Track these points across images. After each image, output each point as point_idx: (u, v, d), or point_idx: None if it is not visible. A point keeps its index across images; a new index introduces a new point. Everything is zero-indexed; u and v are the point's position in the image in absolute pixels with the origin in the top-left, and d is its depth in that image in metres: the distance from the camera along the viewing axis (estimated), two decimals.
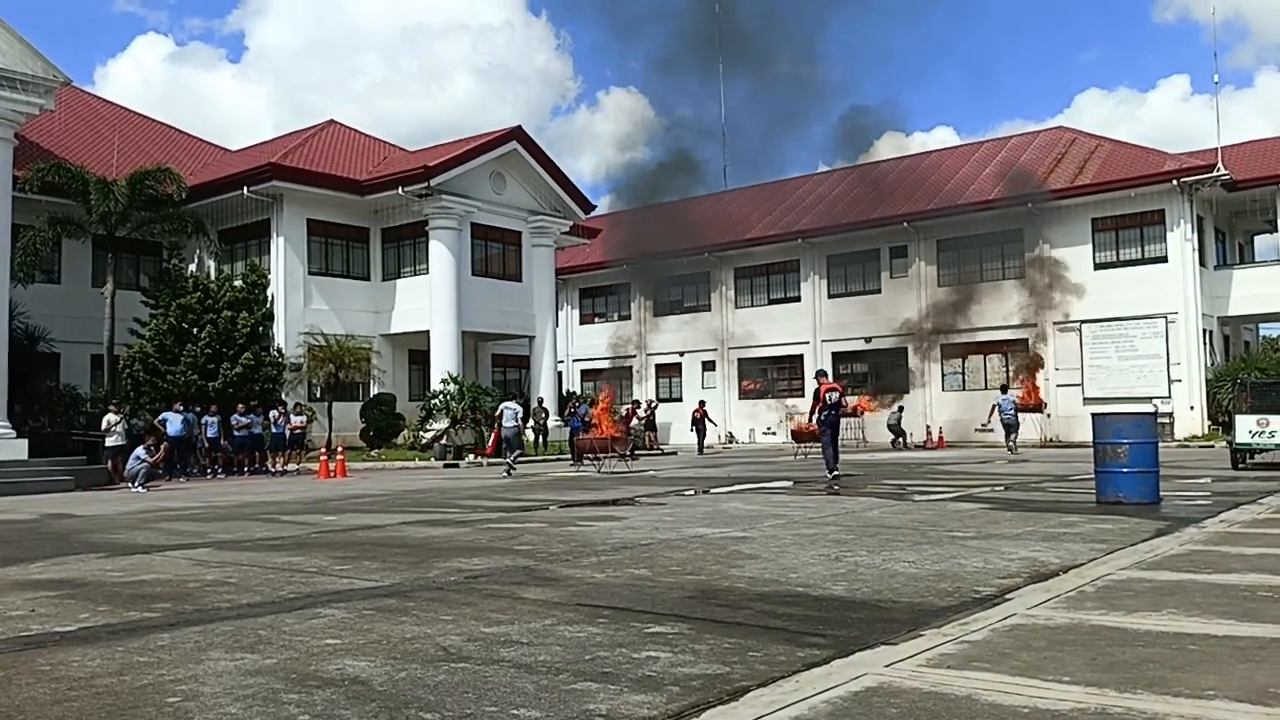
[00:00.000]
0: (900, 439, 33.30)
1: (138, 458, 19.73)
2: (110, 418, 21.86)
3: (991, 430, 29.15)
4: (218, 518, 12.11)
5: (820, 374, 18.59)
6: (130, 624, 5.34)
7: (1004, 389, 28.89)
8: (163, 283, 27.43)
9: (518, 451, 21.89)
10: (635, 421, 32.95)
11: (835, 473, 16.88)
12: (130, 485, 19.42)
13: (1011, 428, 27.04)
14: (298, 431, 25.29)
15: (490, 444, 22.43)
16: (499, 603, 5.72)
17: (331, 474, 21.54)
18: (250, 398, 25.11)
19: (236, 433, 24.04)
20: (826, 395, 17.06)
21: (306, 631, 4.99)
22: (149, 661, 4.42)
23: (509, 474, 20.42)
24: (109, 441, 21.65)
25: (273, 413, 24.89)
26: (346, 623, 5.21)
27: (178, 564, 7.79)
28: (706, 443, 34.47)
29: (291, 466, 24.66)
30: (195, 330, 25.76)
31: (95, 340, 27.25)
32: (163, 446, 20.92)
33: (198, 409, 24.06)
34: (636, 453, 25.44)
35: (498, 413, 22.54)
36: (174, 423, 22.74)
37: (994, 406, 27.63)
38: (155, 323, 26.06)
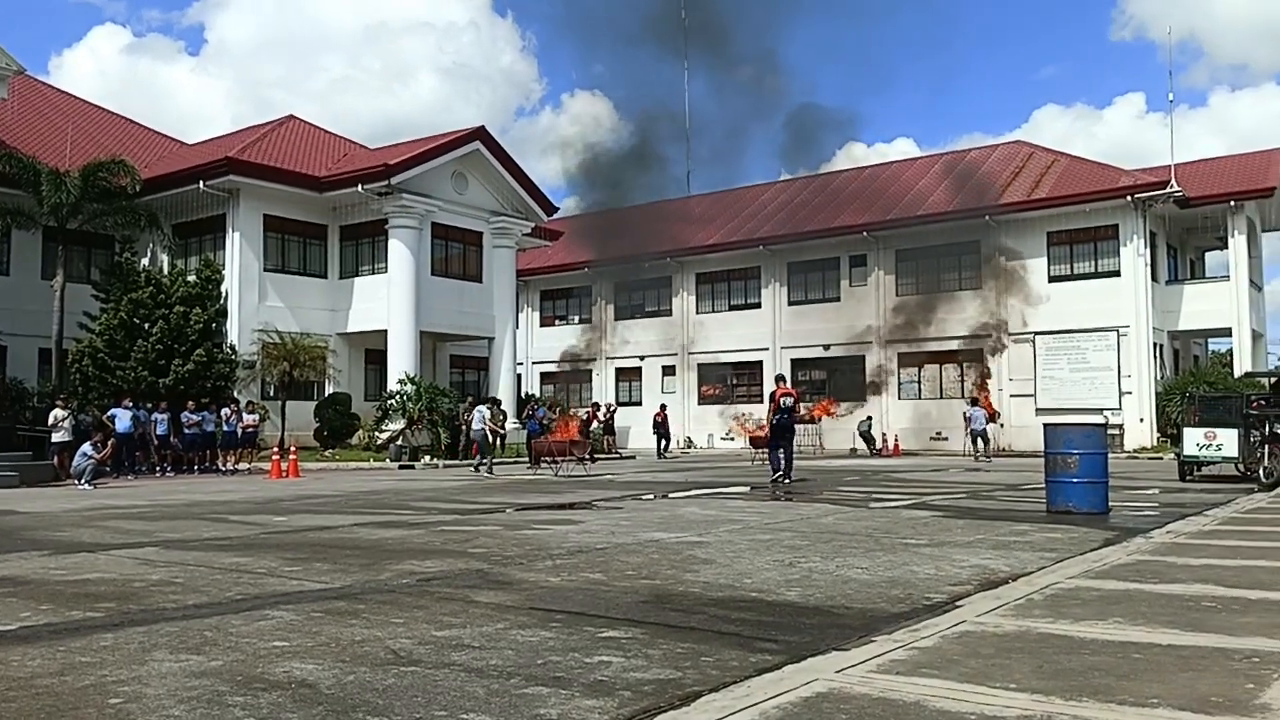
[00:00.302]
0: (871, 445, 33.57)
1: (85, 454, 19.37)
2: (57, 413, 21.42)
3: (947, 440, 29.55)
4: (165, 516, 11.91)
5: (779, 379, 19.18)
6: (73, 623, 5.22)
7: (974, 401, 29.47)
8: (114, 276, 26.95)
9: (489, 456, 22.28)
10: (595, 425, 32.90)
11: (780, 476, 17.08)
12: (77, 482, 19.05)
13: (981, 437, 27.70)
14: (250, 430, 24.94)
15: (475, 448, 22.66)
16: (451, 606, 5.67)
17: (284, 474, 21.26)
18: (202, 395, 24.74)
19: (187, 430, 23.65)
20: (782, 400, 17.25)
21: (254, 633, 4.92)
22: (91, 662, 4.33)
23: (487, 474, 20.99)
24: (55, 437, 21.19)
25: (225, 410, 24.52)
26: (295, 625, 5.13)
27: (123, 563, 7.64)
28: (667, 447, 34.53)
29: (243, 466, 24.32)
30: (146, 325, 25.33)
31: (44, 334, 26.71)
32: (110, 443, 20.55)
33: (148, 405, 23.65)
34: (595, 456, 25.37)
35: (468, 416, 22.77)
36: (123, 419, 22.34)
37: (966, 418, 28.31)
38: (106, 317, 25.60)
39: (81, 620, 5.31)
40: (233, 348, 27.64)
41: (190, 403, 23.87)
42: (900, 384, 36.68)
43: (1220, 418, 17.73)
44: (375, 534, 9.70)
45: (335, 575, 6.91)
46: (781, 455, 17.42)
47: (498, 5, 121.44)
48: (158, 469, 23.52)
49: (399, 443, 27.24)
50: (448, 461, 26.85)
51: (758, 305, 39.96)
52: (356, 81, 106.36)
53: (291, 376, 27.89)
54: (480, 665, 4.23)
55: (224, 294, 28.02)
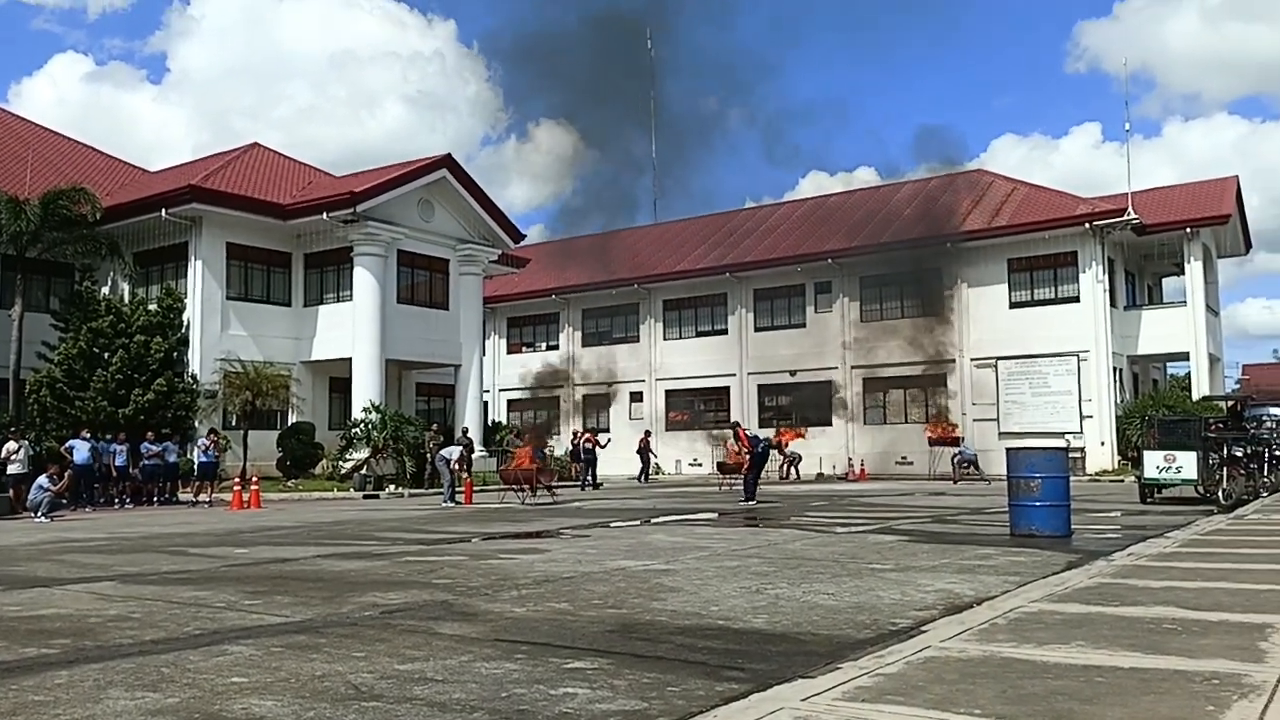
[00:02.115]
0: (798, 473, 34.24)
1: (40, 487, 19.00)
2: (10, 445, 21.01)
3: (911, 464, 29.92)
4: (123, 550, 11.69)
5: (735, 424, 22.37)
6: (27, 661, 5.10)
7: (958, 441, 32.12)
8: (74, 305, 26.56)
9: (451, 487, 22.18)
10: (565, 450, 32.73)
11: (753, 501, 19.27)
12: (33, 515, 18.67)
13: (973, 464, 29.80)
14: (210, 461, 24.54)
15: (467, 485, 22.66)
16: (414, 638, 5.60)
17: (245, 505, 20.95)
18: (162, 425, 24.38)
19: (146, 461, 23.25)
20: (764, 443, 20.60)
21: (212, 669, 4.82)
22: (45, 700, 4.22)
23: (450, 504, 21.20)
24: (10, 470, 20.76)
25: (202, 441, 24.16)
26: (254, 660, 5.04)
27: (79, 598, 7.49)
28: (645, 473, 34.54)
29: (204, 497, 23.95)
30: (106, 355, 24.96)
31: (1, 364, 26.22)
32: (67, 475, 20.16)
33: (107, 436, 23.25)
34: (553, 488, 25.15)
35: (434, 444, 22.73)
36: (81, 451, 21.92)
37: (954, 458, 29.48)
38: (65, 347, 25.20)
39: (36, 658, 5.19)
40: (194, 377, 27.29)
41: (150, 433, 23.49)
42: (866, 408, 36.90)
43: (1179, 441, 17.98)
44: (338, 566, 9.58)
45: (296, 608, 6.81)
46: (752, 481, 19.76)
47: (463, 35, 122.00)
48: (116, 501, 23.10)
49: (363, 472, 26.95)
50: (413, 491, 26.60)
51: (724, 331, 40.10)
52: (321, 110, 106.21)
53: (254, 406, 27.55)
54: (443, 699, 4.17)
55: (186, 323, 27.67)
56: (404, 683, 4.48)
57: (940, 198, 38.14)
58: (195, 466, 24.03)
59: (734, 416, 38.75)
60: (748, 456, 20.49)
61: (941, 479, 30.60)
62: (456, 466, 22.37)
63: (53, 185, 27.44)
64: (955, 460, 30.44)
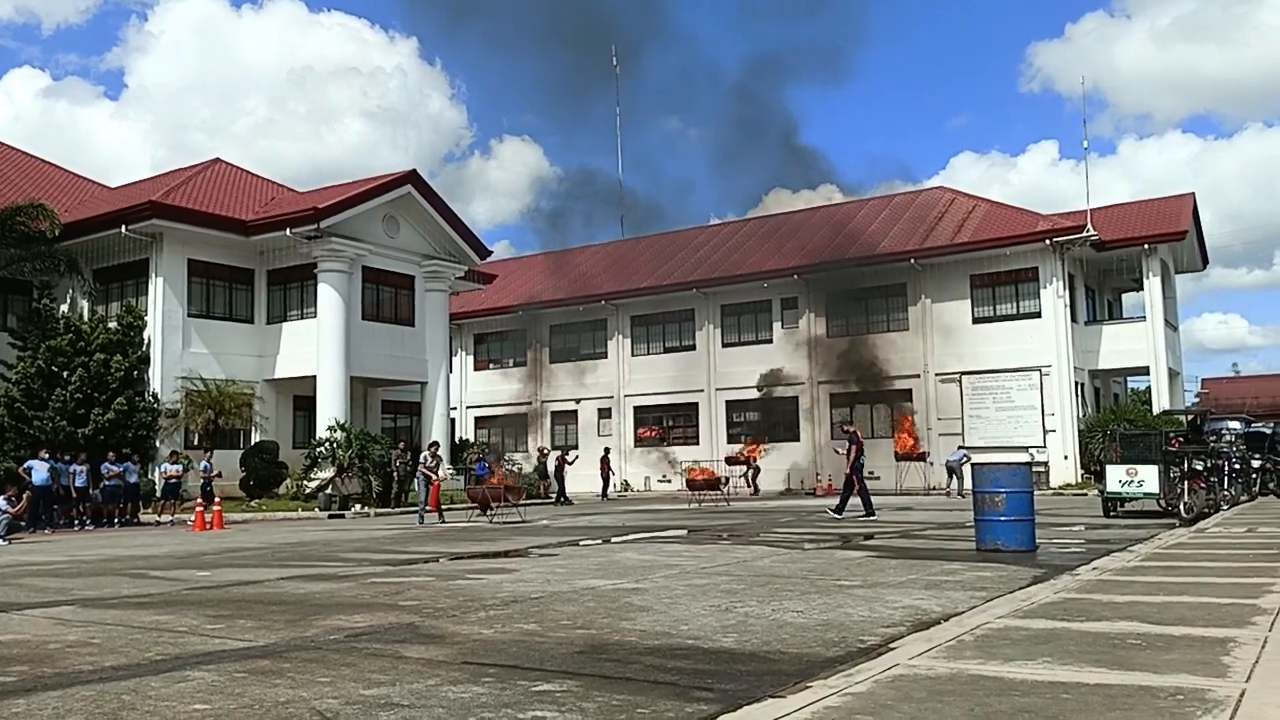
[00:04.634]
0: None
1: None
2: None
3: (879, 479, 30.08)
4: (83, 573, 11.47)
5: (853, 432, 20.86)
6: None
7: (924, 456, 32.71)
8: (32, 324, 26.15)
9: (423, 505, 21.96)
10: (553, 466, 32.69)
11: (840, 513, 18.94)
12: None
13: (955, 473, 30.03)
14: (173, 481, 24.23)
15: (433, 497, 22.28)
16: (380, 662, 5.53)
17: (208, 526, 20.65)
18: (123, 445, 24.02)
19: (107, 482, 22.88)
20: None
21: (173, 695, 4.74)
22: None
23: (419, 523, 20.81)
24: None
25: (205, 464, 24.11)
26: (217, 686, 4.96)
27: (38, 623, 7.33)
28: (606, 490, 34.80)
29: (166, 518, 23.59)
30: (65, 374, 24.58)
31: None
32: (25, 496, 19.78)
33: (66, 457, 22.85)
34: (526, 502, 25.07)
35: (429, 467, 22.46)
36: (39, 471, 21.54)
37: (952, 464, 30.04)
38: (22, 365, 24.79)
39: None
40: (155, 396, 26.93)
41: (111, 453, 23.13)
42: (834, 423, 37.06)
43: (1141, 454, 18.21)
44: (302, 588, 9.45)
45: (260, 632, 6.70)
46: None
47: (425, 52, 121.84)
48: (76, 523, 22.69)
49: (328, 491, 26.65)
50: (379, 510, 26.36)
51: (692, 347, 40.18)
52: (280, 125, 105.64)
53: (216, 425, 27.22)
54: None
55: (146, 341, 27.32)
56: (370, 708, 4.42)
57: (905, 214, 38.51)
58: (199, 488, 23.83)
59: (702, 433, 39.04)
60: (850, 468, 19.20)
61: (908, 494, 30.80)
62: (425, 470, 22.16)
63: (10, 201, 27.05)
64: (954, 465, 30.40)
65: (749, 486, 34.21)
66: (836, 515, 18.65)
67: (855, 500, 18.94)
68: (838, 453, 21.06)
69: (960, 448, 31.64)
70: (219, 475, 25.00)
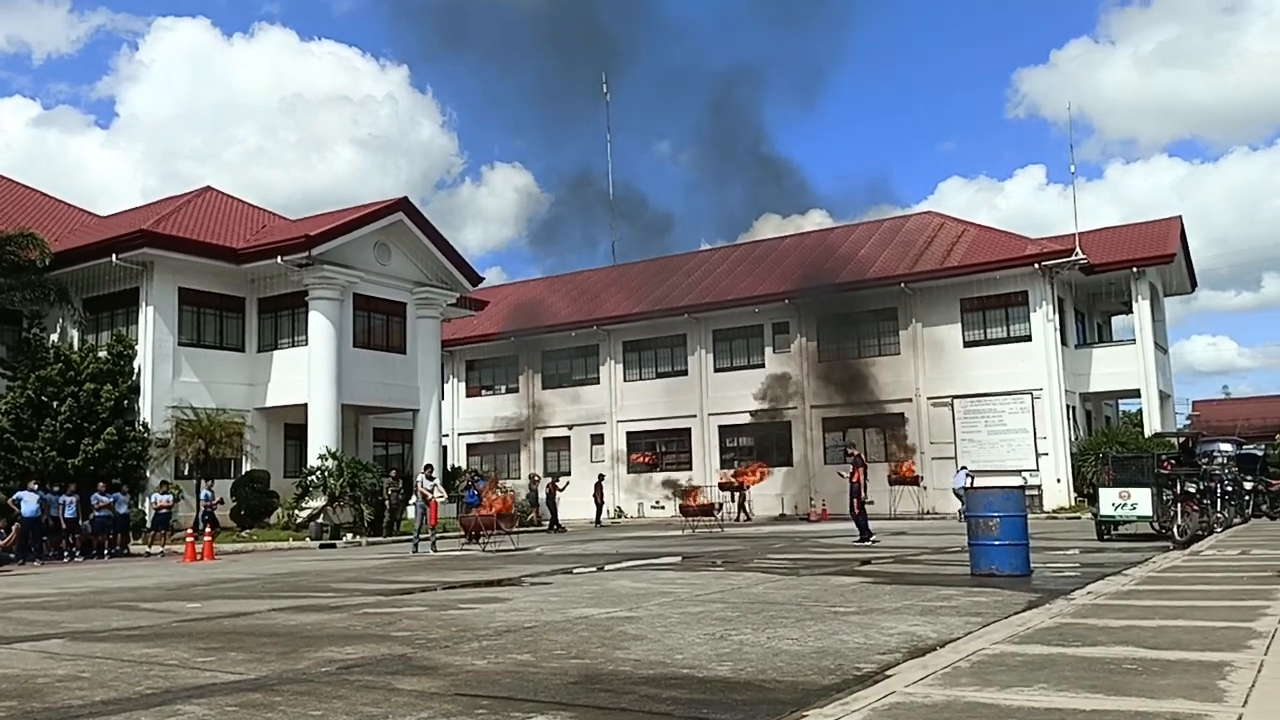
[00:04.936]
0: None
1: None
2: None
3: (873, 503, 29.95)
4: (72, 605, 11.37)
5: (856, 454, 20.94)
6: None
7: (918, 480, 32.70)
8: (21, 353, 26.05)
9: (422, 533, 21.82)
10: (544, 493, 32.60)
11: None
12: None
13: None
14: (163, 511, 24.07)
15: (432, 516, 22.03)
16: (372, 695, 5.49)
17: (198, 556, 20.51)
18: (113, 475, 23.88)
19: (97, 512, 22.72)
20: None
21: None
22: None
23: (415, 552, 20.72)
24: None
25: (207, 494, 24.22)
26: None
27: (26, 657, 7.26)
28: (599, 516, 34.86)
29: (156, 548, 23.42)
30: (55, 404, 24.48)
31: None
32: (14, 528, 19.63)
33: (56, 487, 22.70)
34: (518, 530, 24.96)
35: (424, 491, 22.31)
36: (29, 502, 21.37)
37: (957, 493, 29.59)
38: (12, 395, 24.68)
39: None
40: (145, 425, 26.80)
41: (101, 484, 22.99)
42: (826, 448, 37.06)
43: (1133, 478, 18.25)
44: (293, 619, 9.38)
45: (251, 665, 6.65)
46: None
47: (416, 80, 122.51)
48: (66, 554, 22.50)
49: (320, 521, 26.49)
50: (371, 539, 26.21)
51: (684, 372, 40.19)
52: (271, 153, 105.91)
53: (207, 454, 27.07)
54: None
55: (136, 370, 27.23)
56: None
57: (894, 238, 38.69)
58: (200, 517, 23.78)
59: (695, 458, 38.97)
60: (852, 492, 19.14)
61: (901, 518, 30.74)
62: (423, 491, 22.05)
63: None
64: (960, 489, 29.82)
65: (740, 513, 34.05)
66: (865, 544, 18.27)
67: (851, 524, 18.89)
68: (841, 475, 20.84)
69: (961, 468, 31.35)
70: (220, 503, 24.89)
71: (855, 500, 18.92)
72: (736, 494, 34.48)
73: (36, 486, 22.03)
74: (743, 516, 34.02)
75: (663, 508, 37.74)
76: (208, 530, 21.73)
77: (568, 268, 47.56)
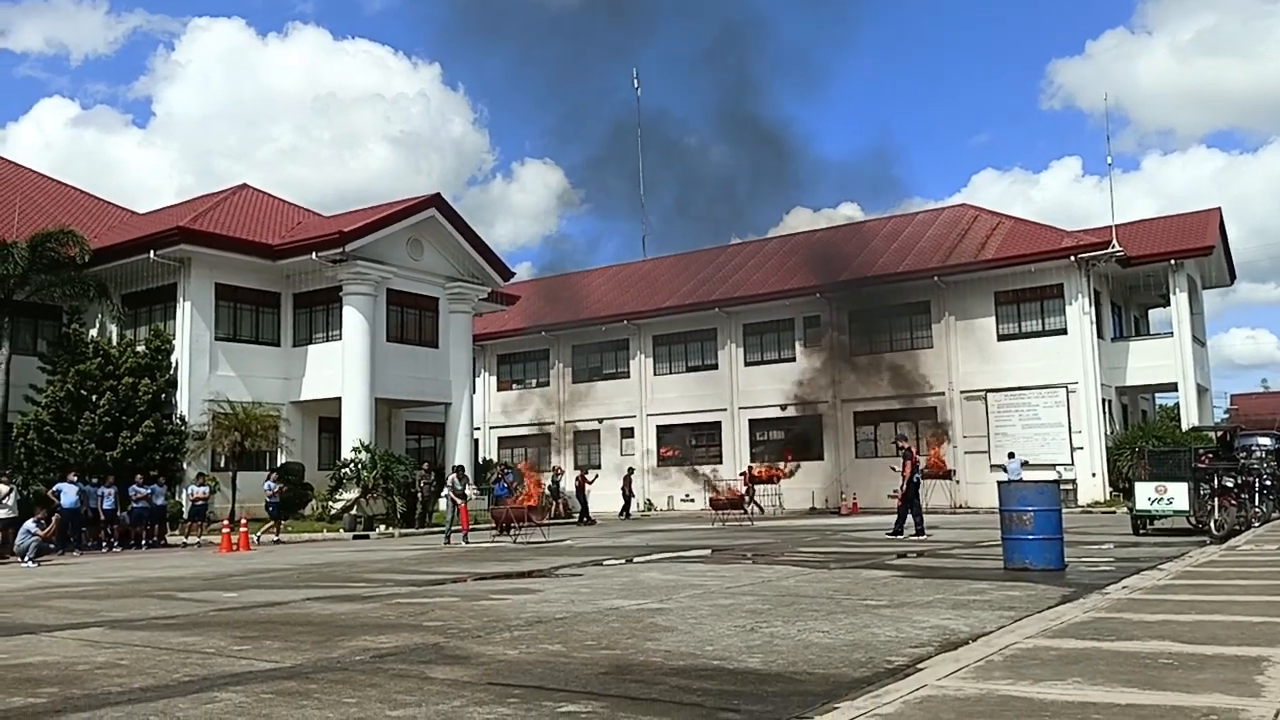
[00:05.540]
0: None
1: (28, 531, 18.81)
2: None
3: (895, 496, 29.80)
4: (111, 595, 11.56)
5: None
6: (13, 711, 5.02)
7: (951, 474, 30.96)
8: (61, 348, 26.45)
9: (452, 526, 21.96)
10: (573, 486, 32.68)
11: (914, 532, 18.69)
12: (20, 560, 18.47)
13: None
14: (199, 503, 24.41)
15: (463, 520, 22.20)
16: (406, 683, 5.54)
17: (234, 547, 20.78)
18: (150, 467, 24.21)
19: (135, 504, 23.06)
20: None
21: (201, 717, 4.77)
22: None
23: (447, 544, 20.88)
24: None
25: (269, 485, 24.51)
26: (244, 707, 4.98)
27: (66, 645, 7.40)
28: (628, 509, 34.94)
29: (192, 539, 23.75)
30: (94, 397, 24.82)
31: None
32: (54, 519, 19.96)
33: (94, 479, 23.06)
34: (549, 522, 24.98)
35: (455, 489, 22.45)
36: (68, 494, 21.72)
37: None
38: (52, 389, 25.06)
39: (23, 707, 5.11)
40: (182, 419, 27.16)
41: (139, 475, 23.33)
42: (858, 441, 36.87)
43: (1170, 472, 18.02)
44: (328, 609, 9.49)
45: (286, 653, 6.73)
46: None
47: (448, 78, 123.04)
48: (104, 544, 22.86)
49: (353, 512, 26.76)
50: (404, 530, 26.42)
51: (714, 366, 40.12)
52: (305, 151, 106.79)
53: (243, 447, 27.37)
54: None
55: (174, 364, 27.59)
56: None
57: (927, 232, 38.38)
58: (269, 507, 24.16)
59: (725, 452, 38.88)
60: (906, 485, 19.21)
61: (934, 512, 30.47)
62: (451, 494, 22.18)
63: (40, 228, 27.42)
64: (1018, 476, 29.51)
65: (760, 509, 33.75)
66: (919, 536, 18.42)
67: (890, 517, 18.88)
68: (894, 470, 20.91)
69: (1010, 455, 30.93)
70: (283, 490, 25.07)
71: (906, 490, 18.98)
72: (749, 489, 34.17)
73: (76, 478, 22.38)
74: (754, 510, 33.68)
75: (692, 501, 37.73)
76: (274, 524, 22.81)
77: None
